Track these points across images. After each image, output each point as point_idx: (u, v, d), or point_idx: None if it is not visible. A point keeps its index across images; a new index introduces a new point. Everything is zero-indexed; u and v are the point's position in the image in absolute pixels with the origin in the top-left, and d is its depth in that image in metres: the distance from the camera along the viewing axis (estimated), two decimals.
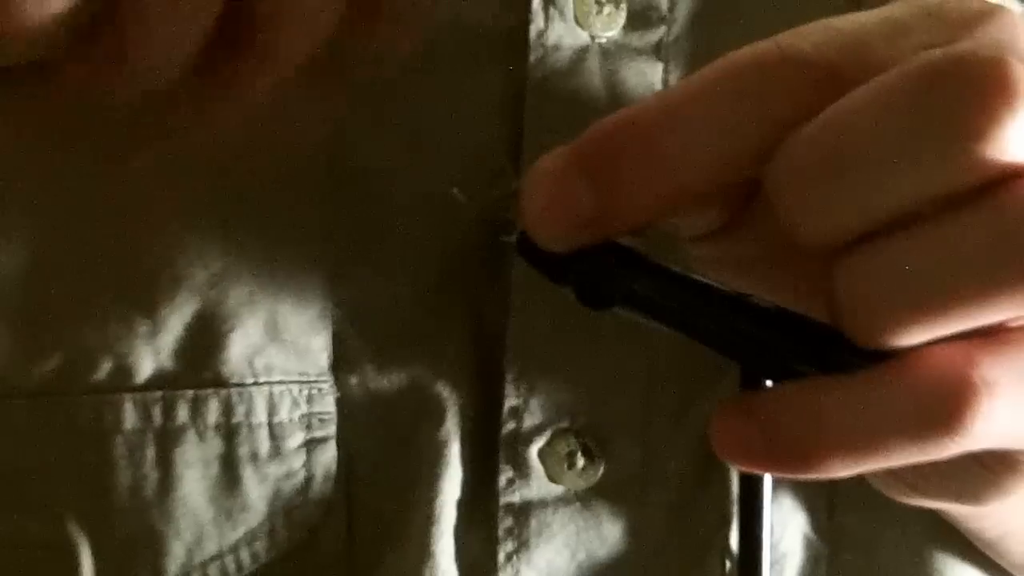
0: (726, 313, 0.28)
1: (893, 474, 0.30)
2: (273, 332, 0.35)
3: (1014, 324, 0.26)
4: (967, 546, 0.38)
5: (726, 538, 0.37)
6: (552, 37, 0.35)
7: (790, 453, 0.26)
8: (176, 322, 0.34)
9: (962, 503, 0.30)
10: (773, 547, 0.36)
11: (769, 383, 0.28)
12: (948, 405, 0.25)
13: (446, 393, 0.36)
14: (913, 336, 0.26)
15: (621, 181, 0.27)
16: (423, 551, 0.36)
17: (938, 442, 0.25)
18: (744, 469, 0.28)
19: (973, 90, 0.24)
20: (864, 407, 0.26)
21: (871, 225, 0.26)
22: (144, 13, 0.28)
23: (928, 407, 0.25)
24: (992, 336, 0.26)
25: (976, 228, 0.25)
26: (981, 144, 0.24)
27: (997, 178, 0.25)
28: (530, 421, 0.36)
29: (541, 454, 0.36)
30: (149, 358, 0.34)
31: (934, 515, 0.36)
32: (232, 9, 0.28)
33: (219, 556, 0.35)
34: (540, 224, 0.28)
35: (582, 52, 0.35)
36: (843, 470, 0.26)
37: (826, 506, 0.38)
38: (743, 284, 0.29)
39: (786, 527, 0.37)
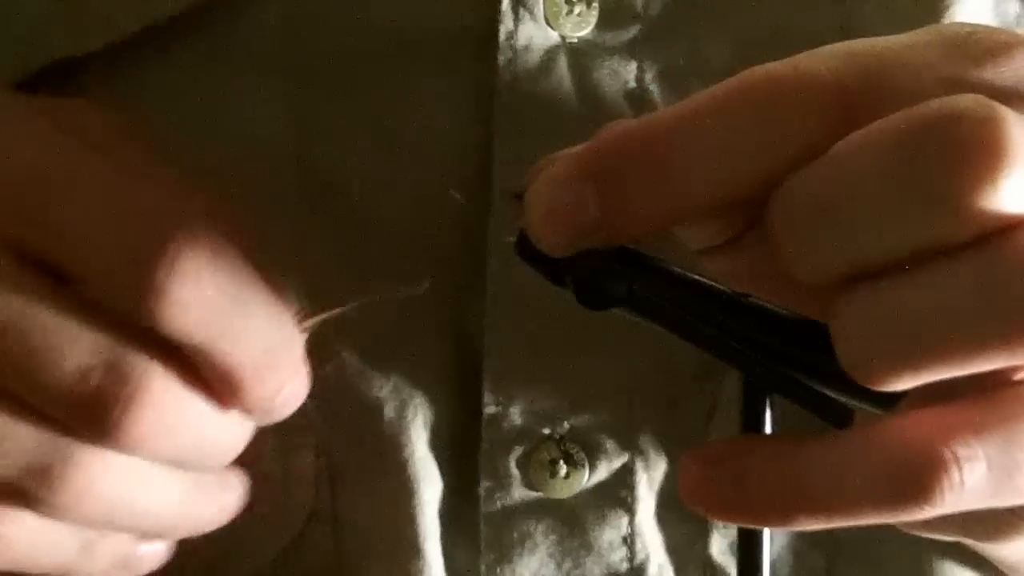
0: (724, 317, 0.28)
1: None
2: None
3: (1010, 375, 0.26)
4: (970, 554, 0.36)
5: (706, 547, 0.36)
6: (522, 38, 0.35)
7: (762, 507, 0.27)
8: None
9: (978, 540, 0.30)
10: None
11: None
12: (918, 478, 0.25)
13: (428, 402, 0.36)
14: (903, 381, 0.26)
15: (627, 191, 0.27)
16: (411, 561, 0.36)
17: (908, 511, 0.26)
18: (710, 517, 0.28)
19: (961, 152, 0.24)
20: (839, 471, 0.26)
21: (863, 269, 0.26)
22: None
23: (899, 478, 0.25)
24: (979, 399, 0.26)
25: (965, 279, 0.25)
26: (968, 203, 0.24)
27: (987, 232, 0.25)
28: (509, 429, 0.36)
29: (520, 462, 0.36)
30: None
31: None
32: None
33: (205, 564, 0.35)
34: (543, 228, 0.28)
35: (553, 52, 0.35)
36: (813, 526, 0.27)
37: None
38: (764, 295, 0.29)
39: (776, 538, 0.36)
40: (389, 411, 0.36)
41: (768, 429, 0.29)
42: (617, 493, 0.36)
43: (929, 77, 0.27)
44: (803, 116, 0.26)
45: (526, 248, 0.29)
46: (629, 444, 0.36)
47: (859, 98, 0.26)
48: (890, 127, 0.25)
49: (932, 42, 0.27)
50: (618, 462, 0.36)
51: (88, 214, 0.30)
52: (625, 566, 0.36)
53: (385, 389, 0.36)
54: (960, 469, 0.25)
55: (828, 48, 0.27)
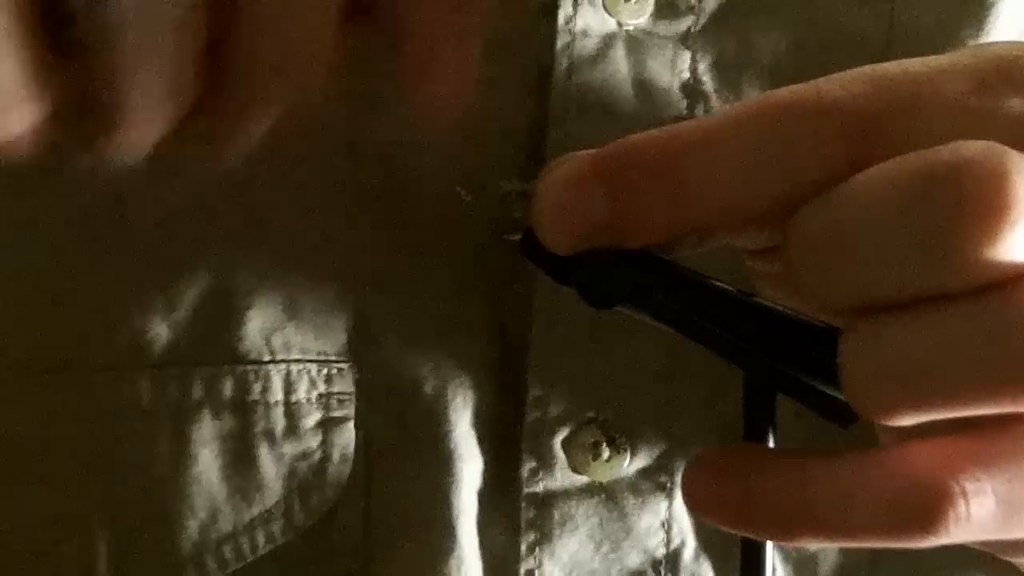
0: (729, 315, 0.28)
1: None
2: (292, 310, 0.35)
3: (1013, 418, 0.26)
4: None
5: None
6: (580, 23, 0.35)
7: (767, 520, 0.27)
8: (192, 298, 0.34)
9: (1006, 556, 0.30)
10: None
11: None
12: (925, 509, 0.25)
13: (469, 380, 0.35)
14: (902, 419, 0.26)
15: (637, 197, 0.27)
16: (444, 540, 0.35)
17: (912, 540, 0.26)
18: (711, 523, 0.28)
19: (967, 205, 0.24)
20: (846, 494, 0.26)
21: (872, 303, 0.26)
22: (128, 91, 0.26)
23: (905, 508, 0.25)
24: (989, 431, 0.26)
25: (968, 327, 0.25)
26: (971, 256, 0.24)
27: (994, 282, 0.25)
28: (555, 410, 0.36)
29: (565, 444, 0.36)
30: (165, 333, 0.34)
31: None
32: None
33: (233, 536, 0.35)
34: (550, 225, 0.28)
35: (609, 39, 0.35)
36: (816, 544, 0.27)
37: None
38: (796, 303, 0.28)
39: None
40: (429, 389, 0.35)
41: (771, 433, 0.29)
42: (657, 478, 0.36)
43: (959, 108, 0.27)
44: (821, 142, 0.26)
45: (531, 246, 0.29)
46: (669, 430, 0.36)
47: (882, 126, 0.26)
48: (899, 171, 0.25)
49: (968, 67, 0.27)
50: (659, 447, 0.36)
51: None
52: (661, 551, 0.36)
53: (426, 368, 0.35)
54: (967, 503, 0.25)
55: (858, 71, 0.27)
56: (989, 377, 0.25)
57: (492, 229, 0.35)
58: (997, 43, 0.29)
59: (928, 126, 0.26)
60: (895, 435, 0.28)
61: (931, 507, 0.25)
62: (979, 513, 0.25)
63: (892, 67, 0.27)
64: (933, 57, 0.28)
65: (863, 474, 0.26)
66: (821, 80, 0.27)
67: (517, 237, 0.30)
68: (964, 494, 0.25)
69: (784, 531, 0.26)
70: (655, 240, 0.28)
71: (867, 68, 0.27)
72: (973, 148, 0.25)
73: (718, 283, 0.29)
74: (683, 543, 0.36)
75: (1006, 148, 0.25)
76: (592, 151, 0.28)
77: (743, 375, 0.29)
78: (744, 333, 0.28)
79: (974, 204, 0.24)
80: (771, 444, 0.29)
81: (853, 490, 0.26)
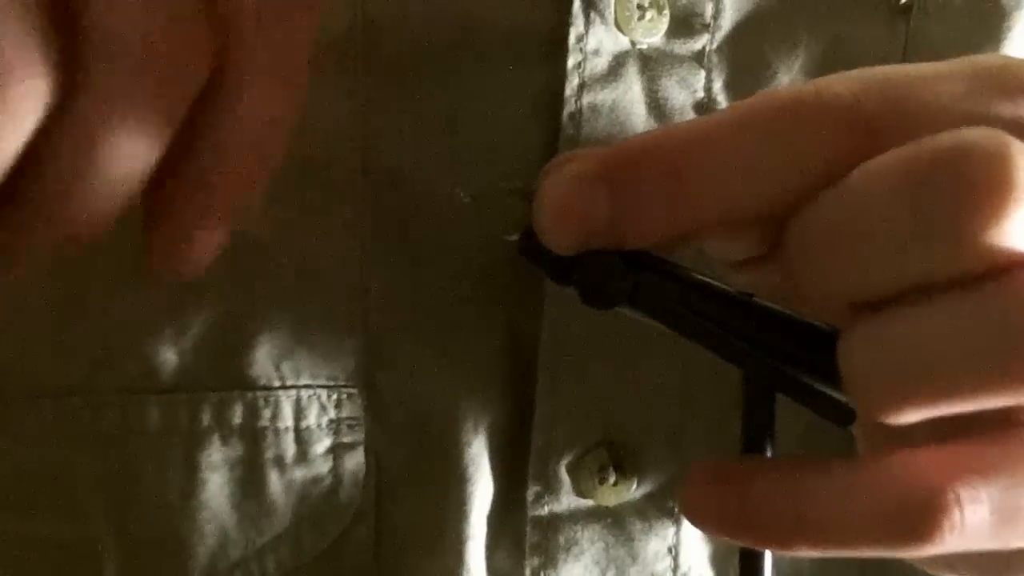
0: (729, 316, 0.28)
1: None
2: (302, 335, 0.35)
3: (1021, 416, 0.26)
4: None
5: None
6: (592, 41, 0.35)
7: (764, 529, 0.27)
8: (201, 324, 0.34)
9: None
10: None
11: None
12: (920, 518, 0.25)
13: (477, 404, 0.35)
14: (905, 415, 0.26)
15: (639, 197, 0.27)
16: (453, 564, 0.35)
17: (908, 549, 0.26)
18: (709, 533, 0.28)
19: (970, 187, 0.24)
20: (841, 503, 0.26)
21: (874, 298, 0.26)
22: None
23: (901, 516, 0.25)
24: (986, 439, 0.26)
25: (972, 315, 0.25)
26: (974, 239, 0.24)
27: (998, 267, 0.25)
28: (562, 433, 0.36)
29: (571, 468, 0.36)
30: (174, 359, 0.34)
31: None
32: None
33: (243, 562, 0.35)
34: (552, 224, 0.28)
35: (622, 58, 0.35)
36: (812, 554, 0.27)
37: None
38: (790, 306, 0.28)
39: None
40: (440, 413, 0.35)
41: (769, 434, 0.29)
42: (665, 503, 0.36)
43: (955, 109, 0.27)
44: (821, 140, 0.26)
45: (530, 246, 0.29)
46: (679, 453, 0.36)
47: (880, 124, 0.26)
48: (900, 158, 0.25)
49: (964, 73, 0.27)
50: (667, 472, 0.36)
51: None
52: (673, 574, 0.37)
53: (437, 391, 0.35)
54: (962, 510, 0.25)
55: (857, 72, 0.27)
56: (992, 366, 0.25)
57: (500, 246, 0.35)
58: (993, 54, 0.29)
59: (925, 125, 0.26)
60: (889, 443, 0.28)
61: (926, 515, 0.25)
62: (974, 521, 0.25)
63: (890, 69, 0.27)
64: (929, 64, 0.28)
65: (857, 483, 0.26)
66: (820, 80, 0.27)
67: (515, 237, 0.30)
68: (959, 501, 0.25)
69: (780, 541, 0.27)
70: (657, 241, 0.28)
71: (866, 70, 0.28)
72: (974, 132, 0.25)
73: (718, 283, 0.29)
74: (691, 568, 0.37)
75: (1006, 133, 0.25)
76: (595, 151, 0.28)
77: (743, 375, 0.29)
78: (744, 333, 0.28)
79: (977, 185, 0.24)
80: (770, 444, 0.29)
81: (848, 500, 0.26)
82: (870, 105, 0.26)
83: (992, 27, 0.36)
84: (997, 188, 0.24)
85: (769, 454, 0.29)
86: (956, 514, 0.25)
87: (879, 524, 0.26)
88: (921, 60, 0.35)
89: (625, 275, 0.29)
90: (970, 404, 0.25)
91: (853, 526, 0.26)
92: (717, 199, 0.27)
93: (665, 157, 0.27)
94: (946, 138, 0.25)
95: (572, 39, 0.34)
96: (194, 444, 0.34)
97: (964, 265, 0.25)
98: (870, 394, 0.26)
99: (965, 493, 0.25)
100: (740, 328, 0.28)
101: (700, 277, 0.29)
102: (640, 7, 0.35)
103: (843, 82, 0.27)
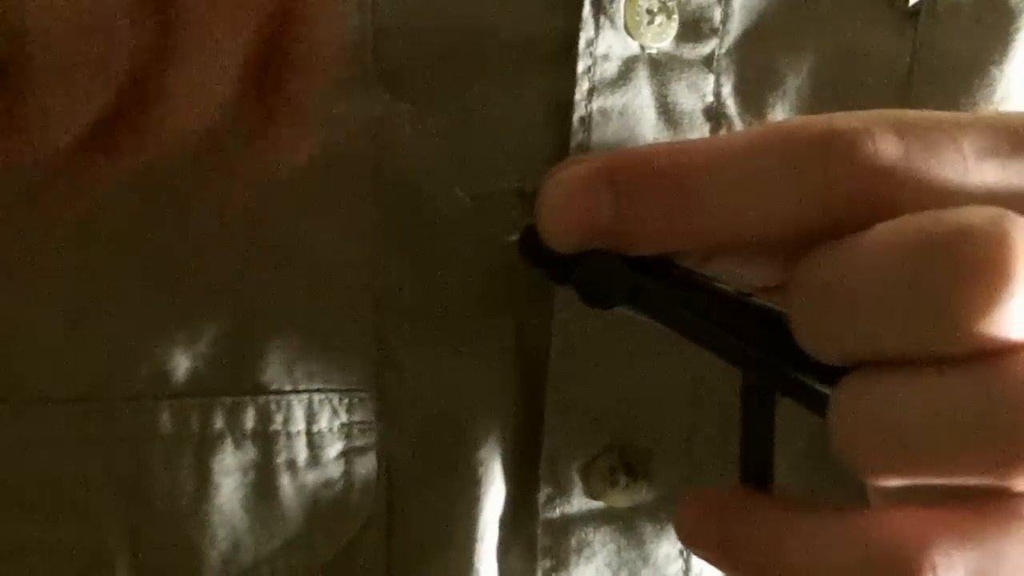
0: (728, 316, 0.28)
1: None
2: (314, 339, 0.35)
3: (1009, 486, 0.26)
4: None
5: None
6: (602, 46, 0.35)
7: (743, 565, 0.28)
8: (214, 328, 0.34)
9: None
10: None
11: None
12: None
13: (489, 406, 0.35)
14: (889, 481, 0.26)
15: (642, 203, 0.28)
16: (464, 567, 0.35)
17: None
18: (696, 557, 0.29)
19: (966, 271, 0.25)
20: (818, 552, 0.26)
21: (868, 358, 0.26)
22: (39, 93, 0.27)
23: (875, 574, 0.26)
24: (970, 505, 0.26)
25: (959, 395, 0.25)
26: (968, 321, 0.25)
27: (988, 351, 0.25)
28: (573, 436, 0.36)
29: (582, 470, 0.36)
30: (186, 364, 0.34)
31: None
32: (124, 86, 0.27)
33: (255, 566, 0.35)
34: (555, 223, 0.29)
35: (631, 62, 0.35)
36: None
37: None
38: None
39: None
40: (451, 416, 0.35)
41: (770, 434, 0.29)
42: (675, 505, 0.36)
43: (974, 164, 0.27)
44: (826, 170, 0.27)
45: (530, 245, 0.30)
46: (690, 456, 0.36)
47: (895, 166, 0.27)
48: (904, 231, 0.26)
49: (989, 126, 0.28)
50: (679, 474, 0.36)
51: None
52: None
53: (448, 394, 0.35)
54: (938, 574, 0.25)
55: (877, 111, 0.28)
56: (975, 449, 0.25)
57: (505, 249, 0.35)
58: (1019, 111, 0.29)
59: (940, 176, 0.27)
60: (883, 491, 0.29)
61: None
62: None
63: (919, 116, 0.28)
64: (951, 115, 0.28)
65: (839, 534, 0.26)
66: (839, 116, 0.28)
67: (515, 238, 0.30)
68: (933, 567, 0.25)
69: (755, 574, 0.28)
70: (654, 250, 0.28)
71: (886, 110, 0.28)
72: (979, 214, 0.25)
73: (718, 284, 0.29)
74: (702, 571, 0.37)
75: (1014, 216, 0.25)
76: (603, 154, 0.29)
77: (743, 377, 0.29)
78: (744, 333, 0.28)
79: (973, 271, 0.25)
80: (771, 446, 0.29)
81: (826, 550, 0.26)
82: (886, 146, 0.27)
83: (1001, 30, 0.36)
84: (992, 275, 0.24)
85: (769, 455, 0.29)
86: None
87: None
88: (931, 66, 0.36)
89: (625, 275, 0.29)
90: (951, 480, 0.26)
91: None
92: (716, 218, 0.28)
93: (671, 169, 0.28)
94: (949, 217, 0.25)
95: (582, 43, 0.34)
96: (206, 449, 0.34)
97: (954, 346, 0.25)
98: (855, 453, 0.26)
99: (940, 559, 0.25)
100: (740, 328, 0.28)
101: (700, 277, 0.29)
102: (649, 12, 0.35)
103: (861, 117, 0.27)
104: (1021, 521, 0.26)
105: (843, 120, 0.27)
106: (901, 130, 0.27)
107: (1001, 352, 0.25)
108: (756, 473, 0.29)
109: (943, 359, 0.25)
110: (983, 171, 0.27)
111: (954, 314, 0.25)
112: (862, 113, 0.28)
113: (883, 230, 0.26)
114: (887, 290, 0.25)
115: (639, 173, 0.28)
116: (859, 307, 0.26)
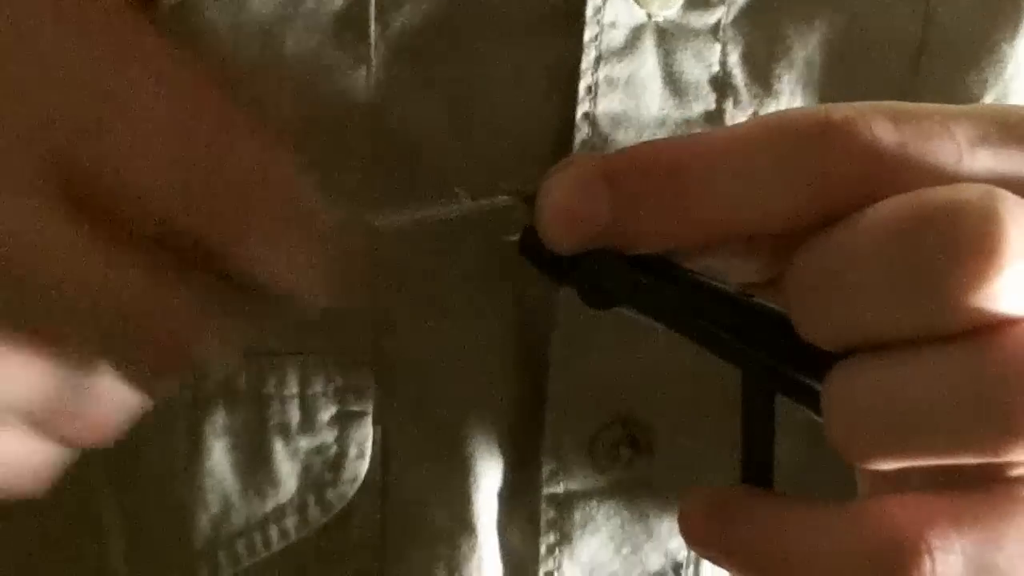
0: (728, 316, 0.28)
1: None
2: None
3: (1006, 470, 0.26)
4: None
5: None
6: (609, 14, 0.34)
7: (744, 563, 0.28)
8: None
9: None
10: None
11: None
12: (891, 566, 0.25)
13: (489, 379, 0.35)
14: (884, 463, 0.26)
15: (641, 202, 0.28)
16: (464, 541, 0.35)
17: None
18: (699, 554, 0.29)
19: (958, 247, 0.25)
20: (818, 545, 0.27)
21: (864, 343, 0.26)
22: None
23: (877, 562, 0.26)
24: (968, 490, 0.26)
25: (953, 373, 0.25)
26: (960, 297, 0.25)
27: (979, 328, 0.25)
28: (576, 410, 0.35)
29: (586, 445, 0.35)
30: None
31: None
32: None
33: (246, 531, 0.34)
34: (554, 224, 0.28)
35: (639, 31, 0.35)
36: None
37: None
38: None
39: None
40: (450, 386, 0.35)
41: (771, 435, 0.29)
42: (681, 478, 0.35)
43: (967, 151, 0.27)
44: (823, 163, 0.27)
45: (530, 245, 0.29)
46: (694, 431, 0.35)
47: (890, 156, 0.27)
48: (897, 209, 0.26)
49: (984, 118, 0.28)
50: (682, 448, 0.36)
51: None
52: (683, 553, 0.36)
53: (447, 364, 0.35)
54: (933, 561, 0.25)
55: (874, 102, 0.28)
56: (971, 424, 0.25)
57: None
58: (1018, 106, 0.29)
59: (934, 164, 0.27)
60: (878, 479, 0.28)
61: (898, 562, 0.25)
62: (946, 572, 0.25)
63: (908, 104, 0.28)
64: (950, 107, 0.28)
65: (837, 528, 0.26)
66: (837, 106, 0.28)
67: (515, 238, 0.30)
68: (931, 552, 0.25)
69: (755, 571, 0.28)
70: (655, 249, 0.28)
71: (883, 101, 0.28)
72: (970, 191, 0.25)
73: (718, 283, 0.29)
74: None
75: (1004, 192, 0.25)
76: (601, 154, 0.29)
77: (742, 377, 0.29)
78: (744, 333, 0.28)
79: (964, 246, 0.25)
80: (770, 444, 0.29)
81: (826, 544, 0.26)
82: (885, 141, 0.27)
83: (1012, 12, 0.36)
84: (984, 250, 0.24)
85: (769, 454, 0.29)
86: (927, 563, 0.25)
87: (854, 568, 0.26)
88: (941, 41, 0.36)
89: (625, 275, 0.29)
90: (947, 459, 0.26)
91: (830, 568, 0.26)
92: (715, 213, 0.28)
93: (669, 166, 0.28)
94: (941, 194, 0.25)
95: (589, 11, 0.34)
96: (199, 411, 0.34)
97: (947, 323, 0.25)
98: (849, 439, 0.26)
99: (938, 543, 0.25)
100: (740, 328, 0.28)
101: (700, 277, 0.29)
102: None
103: (862, 115, 0.27)
104: (1018, 504, 0.26)
105: (839, 109, 0.27)
106: (896, 118, 0.27)
107: (994, 327, 0.25)
108: (757, 472, 0.29)
109: (937, 337, 0.25)
110: (976, 158, 0.27)
111: (946, 289, 0.25)
112: (857, 103, 0.28)
113: (877, 209, 0.26)
114: (881, 268, 0.25)
115: (636, 171, 0.28)
116: (855, 287, 0.26)
